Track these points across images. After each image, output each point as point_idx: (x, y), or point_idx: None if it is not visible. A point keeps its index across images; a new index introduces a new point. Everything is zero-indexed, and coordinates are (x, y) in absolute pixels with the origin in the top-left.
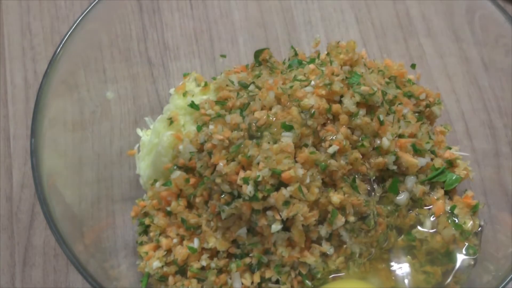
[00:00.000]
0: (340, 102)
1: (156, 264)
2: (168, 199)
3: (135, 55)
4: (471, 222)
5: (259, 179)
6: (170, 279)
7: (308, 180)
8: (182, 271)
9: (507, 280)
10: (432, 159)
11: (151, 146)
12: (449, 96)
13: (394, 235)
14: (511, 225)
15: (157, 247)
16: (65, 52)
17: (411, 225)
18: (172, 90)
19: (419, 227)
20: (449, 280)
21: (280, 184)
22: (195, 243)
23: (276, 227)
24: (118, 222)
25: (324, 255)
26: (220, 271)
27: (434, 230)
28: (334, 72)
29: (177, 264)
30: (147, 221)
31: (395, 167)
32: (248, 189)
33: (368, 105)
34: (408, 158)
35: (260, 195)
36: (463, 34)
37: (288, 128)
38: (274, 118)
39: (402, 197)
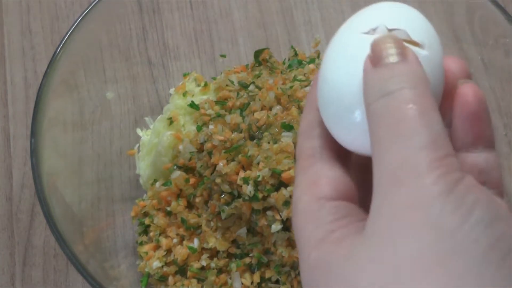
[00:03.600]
0: None
1: (156, 264)
2: (168, 199)
3: (135, 55)
4: None
5: (259, 179)
6: (170, 279)
7: None
8: (182, 271)
9: None
10: None
11: (151, 146)
12: None
13: None
14: None
15: (157, 247)
16: (65, 52)
17: None
18: (172, 90)
19: None
20: None
21: (280, 184)
22: (195, 243)
23: (276, 227)
24: (118, 222)
25: None
26: (220, 271)
27: None
28: None
29: (177, 264)
30: (147, 221)
31: None
32: (248, 189)
33: None
34: None
35: (260, 195)
36: (463, 34)
37: (288, 128)
38: (274, 119)
39: None
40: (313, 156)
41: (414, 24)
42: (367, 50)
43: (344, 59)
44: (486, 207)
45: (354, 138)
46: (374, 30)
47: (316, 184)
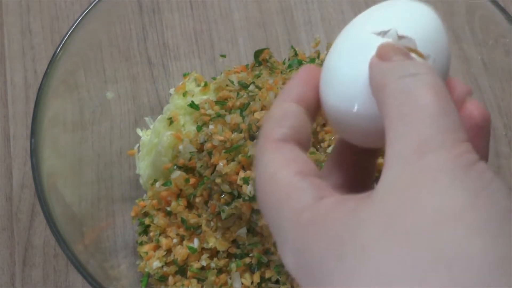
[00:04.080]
0: None
1: (156, 264)
2: (168, 199)
3: (135, 55)
4: None
5: None
6: (170, 279)
7: None
8: (182, 271)
9: None
10: None
11: (151, 146)
12: None
13: None
14: None
15: (157, 247)
16: (65, 52)
17: None
18: (172, 90)
19: None
20: None
21: None
22: (195, 243)
23: None
24: (118, 222)
25: None
26: (220, 271)
27: None
28: None
29: (177, 264)
30: (147, 221)
31: None
32: (248, 189)
33: None
34: None
35: None
36: (463, 34)
37: None
38: None
39: None
40: (283, 140)
41: (425, 33)
42: (374, 50)
43: (351, 53)
44: (503, 184)
45: (358, 128)
46: (385, 33)
47: (295, 161)
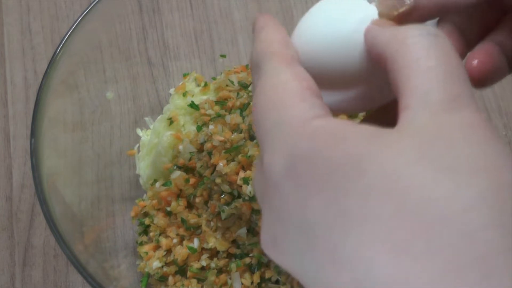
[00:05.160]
0: None
1: (156, 264)
2: (168, 199)
3: (135, 55)
4: None
5: None
6: (170, 279)
7: None
8: (182, 271)
9: None
10: None
11: (151, 146)
12: None
13: None
14: None
15: (157, 247)
16: (65, 52)
17: None
18: (172, 90)
19: None
20: None
21: None
22: (195, 243)
23: None
24: (118, 222)
25: None
26: (220, 271)
27: None
28: None
29: (177, 264)
30: (147, 221)
31: None
32: (248, 189)
33: None
34: None
35: None
36: None
37: None
38: None
39: None
40: (294, 61)
41: None
42: (361, 12)
43: (337, 11)
44: None
45: (345, 94)
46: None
47: (306, 80)
